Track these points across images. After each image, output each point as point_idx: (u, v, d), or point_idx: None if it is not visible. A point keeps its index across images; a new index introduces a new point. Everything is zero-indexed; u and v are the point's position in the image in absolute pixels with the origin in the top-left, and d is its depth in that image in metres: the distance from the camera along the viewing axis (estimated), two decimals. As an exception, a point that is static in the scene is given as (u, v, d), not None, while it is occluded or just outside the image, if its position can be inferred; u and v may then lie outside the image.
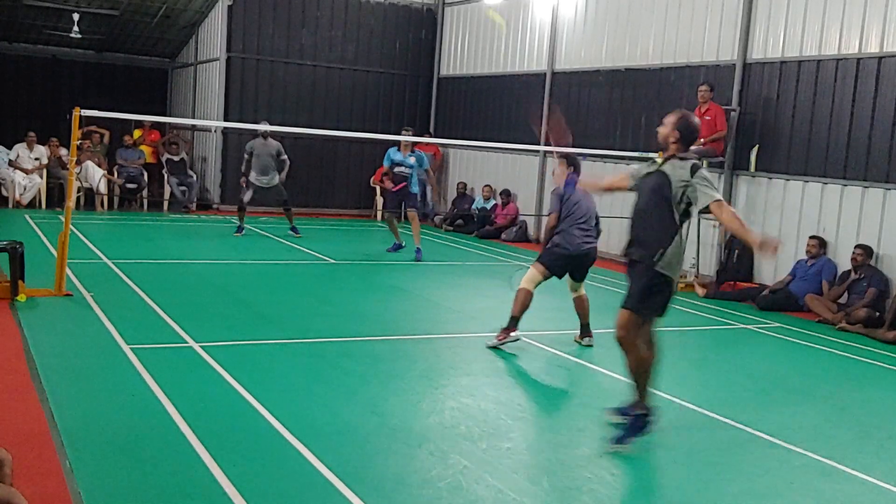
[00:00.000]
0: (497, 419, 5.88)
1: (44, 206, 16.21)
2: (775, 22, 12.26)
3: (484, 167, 18.17)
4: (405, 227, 13.84)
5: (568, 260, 7.92)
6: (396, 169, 12.83)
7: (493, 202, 17.35)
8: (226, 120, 17.68)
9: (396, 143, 13.15)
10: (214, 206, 18.06)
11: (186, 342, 7.29)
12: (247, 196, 14.39)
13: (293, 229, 14.53)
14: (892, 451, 5.91)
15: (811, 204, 11.72)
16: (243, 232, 14.36)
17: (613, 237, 13.13)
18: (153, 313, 8.27)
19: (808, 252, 11.18)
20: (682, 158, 5.52)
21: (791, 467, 5.44)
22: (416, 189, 13.05)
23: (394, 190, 13.04)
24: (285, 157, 14.60)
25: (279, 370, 6.74)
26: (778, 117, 12.20)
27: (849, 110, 11.30)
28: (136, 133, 18.05)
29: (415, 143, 13.43)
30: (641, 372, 5.55)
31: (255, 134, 14.59)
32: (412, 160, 12.83)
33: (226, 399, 5.89)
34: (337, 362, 7.07)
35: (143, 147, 17.91)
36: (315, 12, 18.58)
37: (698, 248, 12.46)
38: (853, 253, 10.53)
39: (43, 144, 16.73)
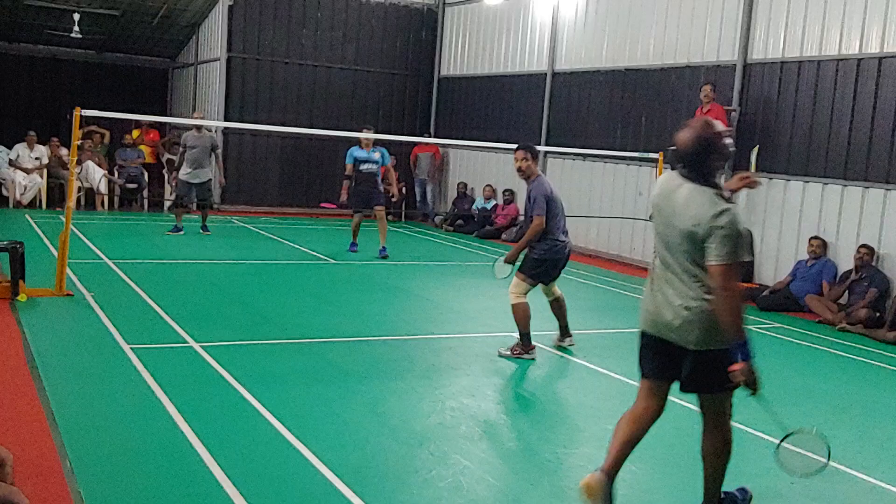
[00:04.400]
0: (497, 419, 5.88)
1: (44, 205, 16.20)
2: (776, 22, 12.25)
3: (484, 167, 18.16)
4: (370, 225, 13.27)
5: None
6: (363, 166, 12.45)
7: (493, 202, 17.34)
8: (226, 120, 17.68)
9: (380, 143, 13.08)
10: (214, 206, 18.05)
11: (186, 342, 7.28)
12: (181, 192, 13.78)
13: (204, 227, 14.06)
14: (892, 451, 5.91)
15: (811, 204, 11.70)
16: (181, 232, 13.83)
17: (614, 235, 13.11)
18: (153, 313, 8.27)
19: (812, 252, 11.15)
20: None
21: (791, 467, 5.43)
22: (381, 187, 12.83)
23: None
24: (219, 151, 14.09)
25: (279, 370, 6.74)
26: (778, 117, 12.19)
27: (849, 111, 11.29)
28: (135, 133, 18.05)
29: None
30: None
31: (188, 127, 14.18)
32: (377, 155, 12.54)
33: (226, 399, 5.89)
34: (337, 362, 7.07)
35: (142, 147, 17.92)
36: (315, 12, 18.59)
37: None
38: (858, 252, 10.47)
39: (43, 144, 16.72)
